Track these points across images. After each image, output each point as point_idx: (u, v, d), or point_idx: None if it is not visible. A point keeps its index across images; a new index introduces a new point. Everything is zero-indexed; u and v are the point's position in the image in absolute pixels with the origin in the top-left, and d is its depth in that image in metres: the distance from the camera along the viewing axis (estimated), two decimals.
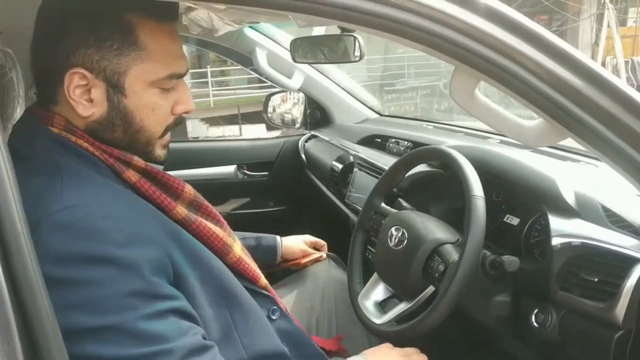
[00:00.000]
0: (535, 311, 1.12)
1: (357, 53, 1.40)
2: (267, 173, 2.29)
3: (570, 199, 1.07)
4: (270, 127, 2.45)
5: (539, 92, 0.85)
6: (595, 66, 0.86)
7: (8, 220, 0.59)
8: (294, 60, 1.53)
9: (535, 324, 1.11)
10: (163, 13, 0.82)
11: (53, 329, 0.63)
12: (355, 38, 1.38)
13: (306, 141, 2.27)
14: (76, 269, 0.71)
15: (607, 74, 0.86)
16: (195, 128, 13.73)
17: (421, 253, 1.13)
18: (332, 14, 0.79)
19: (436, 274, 1.10)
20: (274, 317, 1.03)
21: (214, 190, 2.21)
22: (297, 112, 2.29)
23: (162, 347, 0.73)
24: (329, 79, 2.18)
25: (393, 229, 1.21)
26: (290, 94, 2.32)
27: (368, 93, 2.32)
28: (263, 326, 0.96)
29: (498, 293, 1.17)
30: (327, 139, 2.12)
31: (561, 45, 0.85)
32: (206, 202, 0.96)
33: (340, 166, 1.84)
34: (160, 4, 0.80)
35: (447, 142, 1.49)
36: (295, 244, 1.44)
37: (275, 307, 1.04)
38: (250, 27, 1.95)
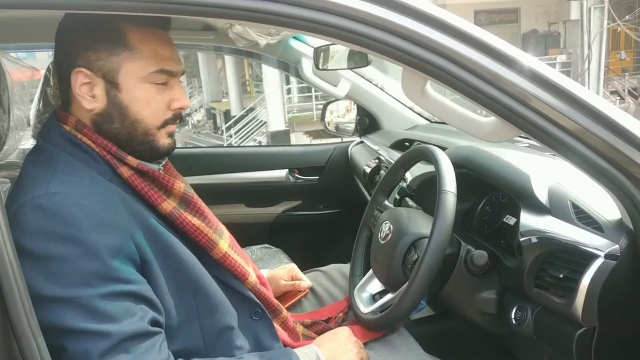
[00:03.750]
0: (515, 308, 1.13)
1: (368, 59, 1.47)
2: (317, 177, 2.39)
3: (542, 196, 1.07)
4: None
5: (484, 93, 0.88)
6: (539, 66, 0.88)
7: None
8: (317, 68, 1.63)
9: (514, 320, 1.12)
10: (150, 21, 0.95)
11: (22, 294, 0.77)
12: None
13: (354, 147, 2.35)
14: (46, 244, 0.84)
15: (550, 72, 0.87)
16: (299, 140, 14.19)
17: (401, 246, 1.18)
18: (294, 25, 0.87)
19: (409, 266, 1.14)
20: (255, 319, 1.09)
21: (267, 193, 2.37)
22: (352, 119, 2.39)
23: (104, 328, 0.83)
24: (376, 86, 2.24)
25: (383, 224, 1.27)
26: (345, 103, 2.43)
27: None
28: (229, 321, 1.03)
29: (484, 290, 1.19)
30: (369, 144, 2.19)
31: (503, 47, 0.88)
32: (196, 198, 1.05)
33: (370, 169, 1.90)
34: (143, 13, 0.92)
35: (460, 143, 1.51)
36: (277, 276, 1.41)
37: (257, 309, 1.09)
38: (295, 38, 2.07)
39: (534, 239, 1.04)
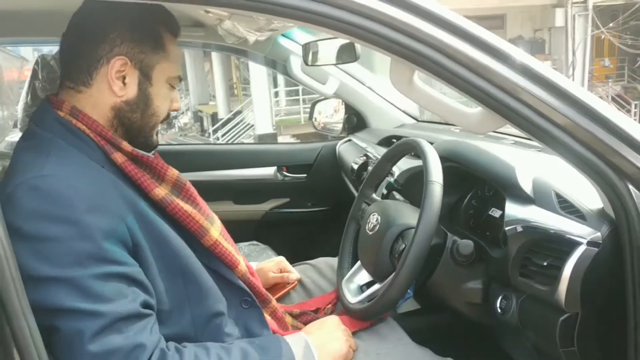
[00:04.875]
0: (500, 297, 1.15)
1: (357, 54, 1.49)
2: (305, 175, 2.40)
3: (527, 187, 1.09)
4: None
5: (471, 84, 0.90)
6: (528, 59, 0.90)
7: None
8: (306, 64, 1.65)
9: (499, 309, 1.14)
10: (176, 30, 1.06)
11: (13, 274, 0.78)
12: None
13: (341, 145, 2.37)
14: (40, 225, 0.85)
15: (538, 65, 0.90)
16: None
17: (388, 236, 1.20)
18: (286, 14, 0.89)
19: (397, 255, 1.16)
20: (244, 307, 1.10)
21: (255, 190, 2.38)
22: (340, 119, 2.41)
23: (97, 308, 0.84)
24: (364, 84, 2.26)
25: (371, 216, 1.28)
26: (333, 104, 2.45)
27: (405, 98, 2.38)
28: (219, 308, 1.04)
29: (469, 280, 1.21)
30: (357, 142, 2.21)
31: (492, 40, 0.90)
32: (188, 185, 1.06)
33: (357, 165, 1.92)
34: (176, 24, 1.07)
35: (444, 138, 1.53)
36: (266, 268, 1.43)
37: (247, 298, 1.10)
38: (284, 35, 2.08)
39: (519, 228, 1.06)
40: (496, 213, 1.30)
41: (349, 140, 2.34)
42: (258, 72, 14.07)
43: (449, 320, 1.47)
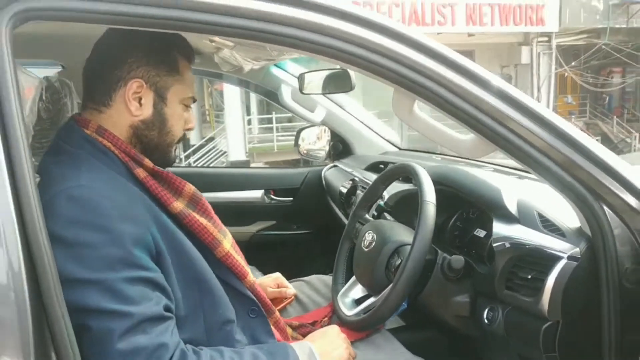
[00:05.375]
0: (487, 310, 1.24)
1: (352, 84, 1.60)
2: (291, 199, 2.49)
3: (512, 207, 1.20)
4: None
5: (465, 112, 1.01)
6: (513, 90, 1.02)
7: (26, 200, 0.82)
8: (301, 92, 1.75)
9: (486, 320, 1.24)
10: (191, 56, 1.15)
11: (54, 279, 0.84)
12: (348, 72, 1.58)
13: (327, 170, 2.47)
14: (77, 232, 0.91)
15: (524, 97, 1.01)
16: None
17: (384, 252, 1.29)
18: (296, 46, 0.99)
19: (392, 270, 1.25)
20: (252, 316, 1.17)
21: (243, 212, 2.45)
22: (323, 146, 2.52)
23: (126, 309, 0.91)
24: (350, 113, 2.38)
25: (366, 234, 1.38)
26: (318, 129, 2.56)
27: (388, 127, 2.51)
28: (229, 316, 1.11)
29: (458, 294, 1.31)
30: (343, 167, 2.31)
31: (484, 74, 1.01)
32: (203, 199, 1.15)
33: (346, 189, 2.02)
34: (191, 51, 1.15)
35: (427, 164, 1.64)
36: (264, 284, 1.51)
37: (254, 307, 1.18)
38: (276, 65, 2.19)
39: (506, 244, 1.17)
40: (481, 233, 1.40)
41: (335, 166, 2.44)
42: (232, 100, 14.18)
43: (435, 336, 1.56)
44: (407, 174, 1.38)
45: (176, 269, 1.03)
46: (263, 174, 2.62)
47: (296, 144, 2.58)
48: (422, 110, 1.14)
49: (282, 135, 15.04)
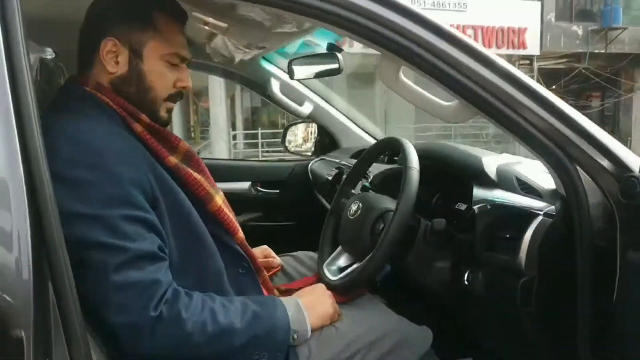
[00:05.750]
0: (467, 272, 1.29)
1: (340, 67, 1.66)
2: (278, 191, 2.53)
3: (491, 173, 1.26)
4: None
5: (449, 76, 1.07)
6: (496, 58, 1.08)
7: (32, 143, 0.86)
8: (291, 77, 1.81)
9: (466, 282, 1.28)
10: (174, 12, 1.17)
11: (54, 214, 0.88)
12: (337, 55, 1.65)
13: (314, 163, 2.52)
14: (77, 170, 0.96)
15: (506, 64, 1.08)
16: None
17: (369, 218, 1.34)
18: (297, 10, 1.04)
19: (377, 233, 1.30)
20: (241, 272, 1.22)
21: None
22: (310, 141, 2.58)
23: (122, 244, 0.95)
24: (336, 108, 2.44)
25: (352, 204, 1.43)
26: (305, 126, 2.62)
27: (370, 123, 2.57)
28: (219, 268, 1.16)
29: (439, 261, 1.36)
30: (329, 159, 2.36)
31: (469, 41, 1.08)
32: (197, 156, 1.20)
33: (331, 176, 2.07)
34: (172, 4, 1.16)
35: None
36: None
37: (244, 263, 1.22)
38: (265, 58, 2.25)
39: (487, 207, 1.22)
40: (462, 207, 1.46)
41: (322, 159, 2.49)
42: (218, 116, 14.25)
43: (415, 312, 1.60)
44: (392, 147, 1.44)
45: (170, 217, 1.07)
46: (250, 167, 2.66)
47: (283, 141, 2.64)
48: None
49: (267, 151, 15.10)
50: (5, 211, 0.83)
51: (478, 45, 1.09)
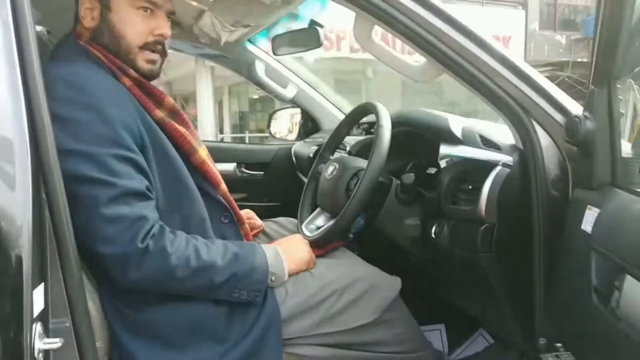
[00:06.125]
0: (434, 227, 1.39)
1: (320, 41, 1.76)
2: (262, 173, 2.61)
3: (457, 132, 1.36)
4: None
5: (421, 37, 1.17)
6: (465, 22, 1.18)
7: (32, 83, 0.93)
8: (275, 53, 1.90)
9: (433, 235, 1.38)
10: None
11: (52, 147, 0.95)
12: (317, 29, 1.74)
13: (297, 146, 2.60)
14: (71, 109, 1.03)
15: (472, 27, 1.18)
16: None
17: (345, 176, 1.43)
18: None
19: (352, 189, 1.39)
20: (224, 221, 1.30)
21: None
22: (294, 125, 2.67)
23: (112, 180, 1.03)
24: (318, 91, 2.53)
25: (329, 166, 1.52)
26: (289, 111, 2.71)
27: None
28: (204, 215, 1.23)
29: (410, 217, 1.45)
30: (311, 140, 2.45)
31: (438, 3, 1.17)
32: (182, 112, 1.26)
33: (312, 153, 2.16)
34: None
35: None
36: None
37: (227, 213, 1.30)
38: (250, 41, 2.34)
39: (451, 161, 1.32)
40: (432, 171, 1.56)
41: (304, 141, 2.58)
42: (205, 121, 14.31)
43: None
44: (367, 111, 1.53)
45: (157, 164, 1.15)
46: (235, 149, 2.73)
47: (269, 126, 2.73)
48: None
49: None
50: (7, 145, 0.90)
51: (444, 7, 1.18)
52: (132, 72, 1.19)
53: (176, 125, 1.21)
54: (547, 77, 1.20)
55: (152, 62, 1.23)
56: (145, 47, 1.21)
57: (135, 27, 1.19)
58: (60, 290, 0.95)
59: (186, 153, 1.22)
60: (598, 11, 0.95)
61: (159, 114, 1.20)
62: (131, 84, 1.18)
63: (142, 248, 1.05)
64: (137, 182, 1.07)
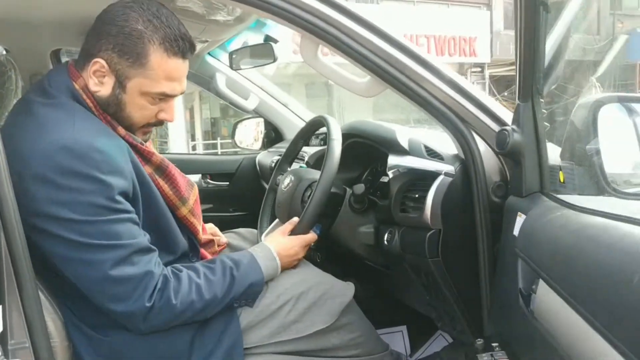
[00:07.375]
0: (386, 234, 1.45)
1: (275, 56, 1.81)
2: (227, 183, 2.65)
3: (404, 143, 1.42)
4: None
5: (361, 55, 1.23)
6: (405, 40, 1.25)
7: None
8: (232, 68, 1.95)
9: (385, 242, 1.44)
10: (175, 51, 1.13)
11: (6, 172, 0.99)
12: (271, 45, 1.80)
13: (260, 156, 2.65)
14: (69, 178, 1.05)
15: (412, 46, 1.24)
16: None
17: (300, 187, 1.48)
18: None
19: (306, 200, 1.44)
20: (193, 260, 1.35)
21: None
22: (260, 134, 2.71)
23: (118, 242, 1.07)
24: (279, 102, 2.58)
25: (286, 178, 1.57)
26: (253, 122, 2.75)
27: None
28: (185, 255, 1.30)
29: (363, 225, 1.51)
30: (274, 150, 2.50)
31: (378, 24, 1.23)
32: (171, 167, 1.27)
33: (274, 162, 2.21)
34: (179, 46, 1.13)
35: None
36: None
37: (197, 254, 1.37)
38: (210, 54, 2.38)
39: (398, 171, 1.38)
40: (385, 179, 1.62)
41: (267, 151, 2.62)
42: (177, 127, 14.24)
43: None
44: (320, 124, 1.59)
45: (144, 212, 1.18)
46: (200, 160, 2.77)
47: (233, 136, 2.77)
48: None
49: None
50: None
51: (383, 26, 1.25)
52: (120, 129, 1.18)
53: (162, 182, 1.24)
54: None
55: (148, 133, 1.26)
56: (146, 126, 1.23)
57: (143, 111, 1.19)
58: (19, 311, 0.99)
59: (171, 208, 1.27)
60: (516, 30, 1.02)
61: (148, 169, 1.21)
62: (125, 133, 1.19)
63: (149, 306, 1.10)
64: (140, 239, 1.11)
